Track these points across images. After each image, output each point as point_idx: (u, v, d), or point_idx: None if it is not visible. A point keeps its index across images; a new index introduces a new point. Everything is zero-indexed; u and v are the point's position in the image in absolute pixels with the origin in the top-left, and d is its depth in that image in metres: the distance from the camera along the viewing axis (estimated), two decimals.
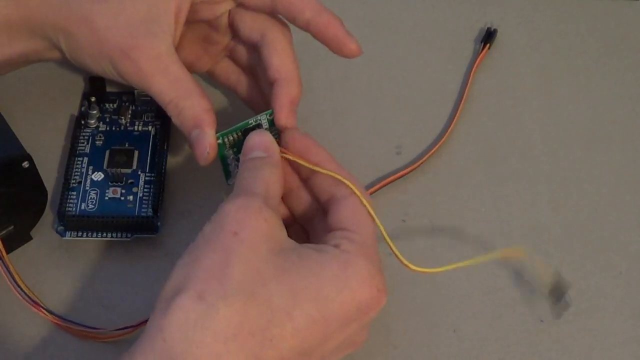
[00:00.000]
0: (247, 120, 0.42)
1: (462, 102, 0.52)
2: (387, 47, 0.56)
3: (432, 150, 0.50)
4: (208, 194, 0.48)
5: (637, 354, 0.43)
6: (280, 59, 0.43)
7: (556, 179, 0.49)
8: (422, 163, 0.49)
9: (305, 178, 0.41)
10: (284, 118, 0.42)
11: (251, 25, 0.44)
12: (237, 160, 0.42)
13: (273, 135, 0.41)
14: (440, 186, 0.49)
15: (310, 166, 0.39)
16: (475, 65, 0.54)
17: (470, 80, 0.53)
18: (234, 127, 0.42)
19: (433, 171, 0.49)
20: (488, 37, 0.55)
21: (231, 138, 0.42)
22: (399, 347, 0.42)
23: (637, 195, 0.49)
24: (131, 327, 0.41)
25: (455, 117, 0.51)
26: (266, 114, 0.42)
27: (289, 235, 0.36)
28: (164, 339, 0.31)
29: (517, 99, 0.53)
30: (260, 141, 0.40)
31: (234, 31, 0.45)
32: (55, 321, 0.42)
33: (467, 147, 0.51)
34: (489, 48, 0.55)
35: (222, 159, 0.42)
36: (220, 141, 0.42)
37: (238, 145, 0.42)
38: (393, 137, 0.51)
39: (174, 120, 0.42)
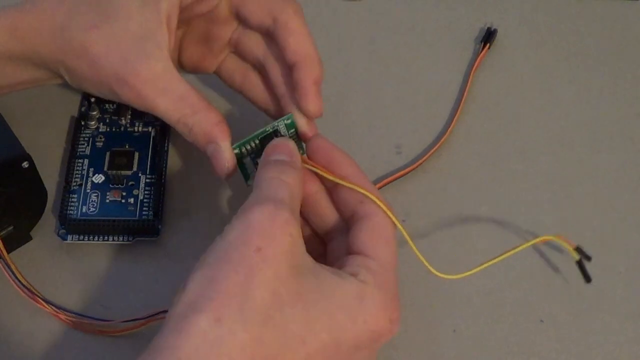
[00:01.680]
0: (264, 128, 0.41)
1: (462, 102, 0.52)
2: (387, 47, 0.56)
3: (432, 150, 0.50)
4: (208, 194, 0.48)
5: (637, 354, 0.43)
6: (297, 39, 0.41)
7: (556, 178, 0.49)
8: (422, 163, 0.49)
9: (330, 190, 0.40)
10: (311, 103, 0.40)
11: (259, 10, 0.42)
12: (256, 163, 0.42)
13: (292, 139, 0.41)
14: (440, 186, 0.49)
15: (333, 178, 0.38)
16: (475, 65, 0.54)
17: (470, 80, 0.53)
18: (250, 136, 0.41)
19: (433, 171, 0.49)
20: (488, 37, 0.56)
21: (248, 147, 0.41)
22: (399, 347, 0.42)
23: (637, 195, 0.49)
24: (142, 318, 0.41)
25: (455, 117, 0.51)
26: (283, 120, 0.41)
27: (307, 246, 0.36)
28: (179, 359, 0.30)
29: (517, 99, 0.53)
30: (283, 145, 0.39)
31: (241, 20, 0.44)
32: (59, 315, 0.42)
33: (467, 147, 0.51)
34: (489, 48, 0.55)
35: (240, 167, 0.42)
36: (237, 151, 0.41)
37: (256, 152, 0.42)
38: (393, 137, 0.51)
39: (187, 138, 0.41)
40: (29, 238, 0.45)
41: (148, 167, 0.47)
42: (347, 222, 0.39)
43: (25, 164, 0.42)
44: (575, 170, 0.50)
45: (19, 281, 0.42)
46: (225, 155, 0.40)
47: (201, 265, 0.33)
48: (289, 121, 0.41)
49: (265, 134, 0.41)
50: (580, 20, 0.58)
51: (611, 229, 0.47)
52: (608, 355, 0.43)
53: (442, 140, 0.50)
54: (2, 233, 0.43)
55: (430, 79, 0.54)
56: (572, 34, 0.57)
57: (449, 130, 0.51)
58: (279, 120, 0.41)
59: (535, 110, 0.53)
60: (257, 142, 0.41)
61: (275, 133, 0.41)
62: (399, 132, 0.51)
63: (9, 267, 0.42)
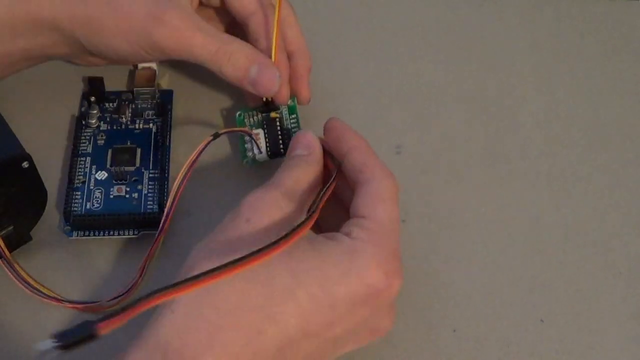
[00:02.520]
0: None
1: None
2: (387, 46, 0.56)
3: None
4: (211, 188, 0.48)
5: (637, 354, 0.43)
6: (292, 31, 0.46)
7: (556, 178, 0.49)
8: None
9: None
10: (305, 91, 0.47)
11: (249, 3, 0.46)
12: (251, 138, 0.45)
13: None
14: (440, 186, 0.49)
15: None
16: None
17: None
18: (254, 107, 0.46)
19: (433, 171, 0.49)
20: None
21: (249, 115, 0.46)
22: (399, 347, 0.42)
23: (637, 195, 0.49)
24: (124, 293, 0.42)
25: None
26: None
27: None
28: (172, 310, 0.32)
29: (517, 98, 0.53)
30: (303, 139, 0.40)
31: (231, 9, 0.46)
32: (53, 300, 0.42)
33: (467, 147, 0.51)
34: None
35: (241, 141, 0.46)
36: (240, 116, 0.45)
37: (257, 124, 0.46)
38: (393, 137, 0.51)
39: (223, 69, 0.43)
40: (29, 238, 0.44)
41: (151, 162, 0.47)
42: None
43: (25, 164, 0.41)
44: (575, 170, 0.50)
45: (22, 279, 0.42)
46: (274, 71, 0.43)
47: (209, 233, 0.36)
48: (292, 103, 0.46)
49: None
50: (580, 20, 0.58)
51: (612, 229, 0.47)
52: (608, 355, 0.43)
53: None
54: (1, 233, 0.42)
55: (430, 78, 0.54)
56: (572, 34, 0.57)
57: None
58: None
59: (535, 110, 0.53)
60: (258, 114, 0.46)
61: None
62: (399, 132, 0.51)
63: (11, 266, 0.41)
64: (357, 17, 0.57)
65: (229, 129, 0.45)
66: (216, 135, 0.42)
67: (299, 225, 0.34)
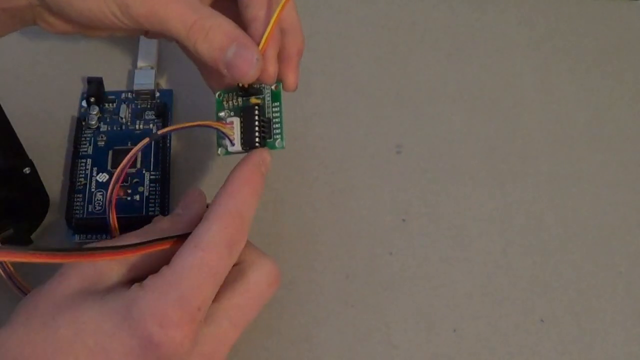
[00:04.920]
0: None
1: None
2: (387, 46, 0.56)
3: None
4: (213, 189, 0.48)
5: (637, 354, 0.43)
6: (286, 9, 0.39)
7: (556, 178, 0.49)
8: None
9: None
10: (292, 74, 0.40)
11: None
12: (218, 130, 0.39)
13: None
14: (440, 186, 0.49)
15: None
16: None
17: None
18: (233, 87, 0.39)
19: (433, 171, 0.49)
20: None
21: (229, 97, 0.39)
22: (399, 347, 0.42)
23: (637, 195, 0.49)
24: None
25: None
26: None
27: None
28: None
29: (517, 99, 0.53)
30: (188, 195, 0.39)
31: None
32: None
33: (467, 147, 0.51)
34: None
35: (217, 119, 0.39)
36: (220, 97, 0.39)
37: (236, 110, 0.39)
38: (393, 137, 0.51)
39: (198, 46, 0.37)
40: (30, 242, 0.44)
41: (152, 164, 0.47)
42: None
43: (26, 170, 0.41)
44: (575, 169, 0.50)
45: (15, 283, 0.41)
46: (254, 53, 0.36)
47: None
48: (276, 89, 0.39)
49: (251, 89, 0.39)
50: (580, 20, 0.58)
51: (612, 229, 0.47)
52: (608, 355, 0.43)
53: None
54: (1, 234, 0.42)
55: (431, 78, 0.54)
56: (572, 34, 0.57)
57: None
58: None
59: (535, 110, 0.53)
60: (239, 97, 0.39)
61: (259, 90, 0.39)
62: (399, 132, 0.51)
63: (5, 269, 0.41)
64: (357, 17, 0.57)
65: (184, 124, 0.38)
66: (154, 136, 0.38)
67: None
